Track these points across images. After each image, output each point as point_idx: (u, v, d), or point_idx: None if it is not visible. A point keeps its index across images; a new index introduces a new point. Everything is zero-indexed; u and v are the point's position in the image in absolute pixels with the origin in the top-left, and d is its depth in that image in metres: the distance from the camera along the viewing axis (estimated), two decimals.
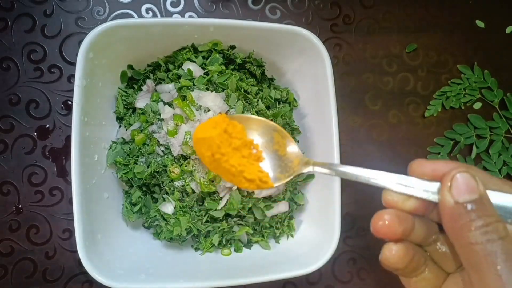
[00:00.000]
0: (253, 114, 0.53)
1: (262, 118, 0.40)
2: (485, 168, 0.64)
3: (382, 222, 0.28)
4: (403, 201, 0.29)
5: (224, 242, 0.54)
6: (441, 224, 0.28)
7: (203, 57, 0.53)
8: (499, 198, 0.26)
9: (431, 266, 0.30)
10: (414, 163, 0.29)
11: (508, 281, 0.23)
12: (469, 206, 0.25)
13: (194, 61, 0.53)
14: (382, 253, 0.29)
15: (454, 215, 0.25)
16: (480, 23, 0.67)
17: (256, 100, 0.54)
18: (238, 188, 0.52)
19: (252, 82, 0.55)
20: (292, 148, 0.36)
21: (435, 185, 0.28)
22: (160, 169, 0.51)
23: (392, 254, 0.28)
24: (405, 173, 0.30)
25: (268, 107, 0.56)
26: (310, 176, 0.56)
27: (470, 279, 0.25)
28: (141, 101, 0.53)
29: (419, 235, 0.30)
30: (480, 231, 0.24)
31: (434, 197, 0.28)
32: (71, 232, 0.57)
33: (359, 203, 0.63)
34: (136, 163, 0.52)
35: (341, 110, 0.59)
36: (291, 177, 0.36)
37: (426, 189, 0.28)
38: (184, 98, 0.52)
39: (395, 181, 0.29)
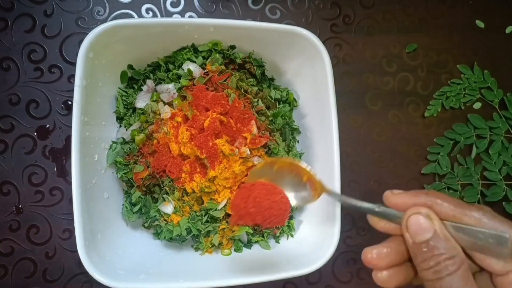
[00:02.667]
0: (253, 114, 0.53)
1: (289, 160, 0.43)
2: (484, 168, 0.64)
3: (370, 255, 0.31)
4: (385, 224, 0.33)
5: (224, 242, 0.54)
6: None
7: (203, 57, 0.53)
8: (462, 228, 0.27)
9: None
10: (387, 194, 0.32)
11: None
12: (423, 246, 0.27)
13: (194, 61, 0.53)
14: (373, 277, 0.33)
15: (413, 253, 0.28)
16: (480, 23, 0.67)
17: (256, 100, 0.54)
18: (238, 188, 0.52)
19: (252, 82, 0.55)
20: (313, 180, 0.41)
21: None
22: (160, 168, 0.51)
23: (379, 277, 0.32)
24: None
25: (268, 107, 0.56)
26: None
27: None
28: (141, 101, 0.53)
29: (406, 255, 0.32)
30: (431, 271, 0.26)
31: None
32: (71, 232, 0.57)
33: None
34: (136, 163, 0.52)
35: (341, 110, 0.59)
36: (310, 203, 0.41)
37: (399, 219, 0.31)
38: (184, 98, 0.53)
39: (378, 211, 0.32)
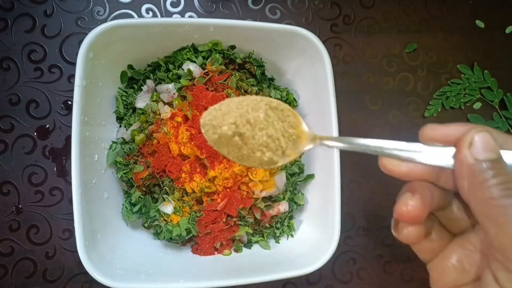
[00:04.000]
0: None
1: (262, 97, 0.35)
2: None
3: (406, 207, 0.28)
4: (411, 170, 0.29)
5: (224, 242, 0.54)
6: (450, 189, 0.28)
7: (203, 57, 0.53)
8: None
9: (436, 229, 0.31)
10: (426, 128, 0.29)
11: None
12: (487, 165, 0.25)
13: (194, 61, 0.53)
14: (395, 233, 0.29)
15: (474, 171, 0.25)
16: (480, 23, 0.67)
17: None
18: (238, 188, 0.52)
19: (252, 82, 0.55)
20: (299, 124, 0.34)
21: (447, 150, 0.28)
22: (160, 168, 0.51)
23: (406, 234, 0.29)
24: None
25: None
26: (310, 176, 0.56)
27: (488, 232, 0.26)
28: (141, 101, 0.53)
29: (435, 203, 0.30)
30: (499, 187, 0.24)
31: (446, 163, 0.28)
32: (71, 232, 0.57)
33: (359, 203, 0.63)
34: (136, 163, 0.52)
35: (341, 110, 0.59)
36: (300, 153, 0.34)
37: (437, 155, 0.28)
38: (184, 98, 0.53)
39: (406, 149, 0.28)
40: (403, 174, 0.29)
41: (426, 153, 0.28)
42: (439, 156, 0.28)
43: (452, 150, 0.28)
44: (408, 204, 0.28)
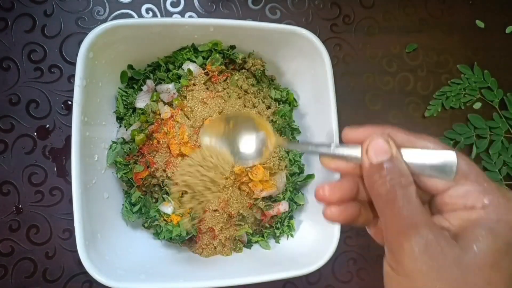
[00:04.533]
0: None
1: (246, 113, 0.44)
2: (484, 168, 0.64)
3: (322, 191, 0.33)
4: (338, 166, 0.35)
5: (224, 242, 0.54)
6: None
7: (203, 57, 0.53)
8: (413, 154, 0.31)
9: (364, 210, 0.35)
10: (344, 131, 0.34)
11: (408, 215, 0.28)
12: (380, 167, 0.30)
13: (194, 61, 0.53)
14: (323, 213, 0.34)
15: (368, 173, 0.31)
16: (480, 23, 0.67)
17: (256, 100, 0.54)
18: (238, 188, 0.52)
19: (252, 82, 0.55)
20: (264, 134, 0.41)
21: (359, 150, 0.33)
22: (160, 169, 0.51)
23: (328, 213, 0.34)
24: None
25: (268, 107, 0.56)
26: (310, 176, 0.56)
27: (382, 225, 0.31)
28: (141, 101, 0.53)
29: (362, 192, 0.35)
30: (387, 184, 0.29)
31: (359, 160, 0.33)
32: (71, 232, 0.57)
33: None
34: (136, 163, 0.52)
35: (341, 110, 0.59)
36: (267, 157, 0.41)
37: (354, 154, 0.33)
38: (184, 98, 0.53)
39: (332, 149, 0.34)
40: (333, 168, 0.35)
41: (346, 153, 0.33)
42: (354, 155, 0.33)
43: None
44: (325, 188, 0.33)
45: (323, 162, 0.35)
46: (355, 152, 0.32)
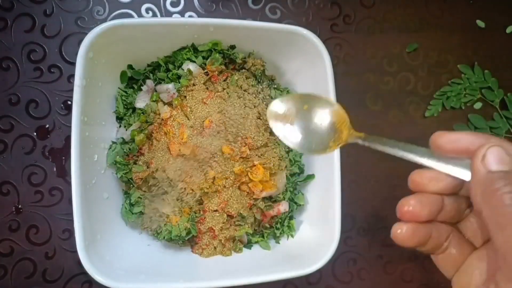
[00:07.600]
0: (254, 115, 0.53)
1: (307, 94, 0.40)
2: None
3: (407, 207, 0.29)
4: (430, 182, 0.30)
5: (224, 242, 0.54)
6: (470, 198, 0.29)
7: (203, 57, 0.53)
8: None
9: (455, 242, 0.31)
10: (435, 135, 0.30)
11: None
12: (499, 175, 0.26)
13: (194, 61, 0.53)
14: (392, 232, 0.30)
15: (487, 180, 0.26)
16: (480, 23, 0.67)
17: (256, 100, 0.54)
18: (238, 188, 0.52)
19: (252, 82, 0.55)
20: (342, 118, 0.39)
21: (464, 162, 0.29)
22: (160, 169, 0.51)
23: (399, 233, 0.29)
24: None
25: None
26: (310, 176, 0.56)
27: (496, 240, 0.26)
28: (141, 101, 0.53)
29: (449, 213, 0.31)
30: (510, 196, 0.25)
31: (463, 174, 0.29)
32: (71, 232, 0.57)
33: (359, 203, 0.62)
34: (136, 163, 0.52)
35: None
36: (341, 145, 0.38)
37: (455, 165, 0.29)
38: (184, 98, 0.52)
39: (431, 159, 0.29)
40: (431, 189, 0.30)
41: (446, 163, 0.29)
42: (455, 167, 0.29)
43: (465, 161, 0.29)
44: (410, 202, 0.29)
45: (414, 180, 0.31)
46: (460, 162, 0.28)
